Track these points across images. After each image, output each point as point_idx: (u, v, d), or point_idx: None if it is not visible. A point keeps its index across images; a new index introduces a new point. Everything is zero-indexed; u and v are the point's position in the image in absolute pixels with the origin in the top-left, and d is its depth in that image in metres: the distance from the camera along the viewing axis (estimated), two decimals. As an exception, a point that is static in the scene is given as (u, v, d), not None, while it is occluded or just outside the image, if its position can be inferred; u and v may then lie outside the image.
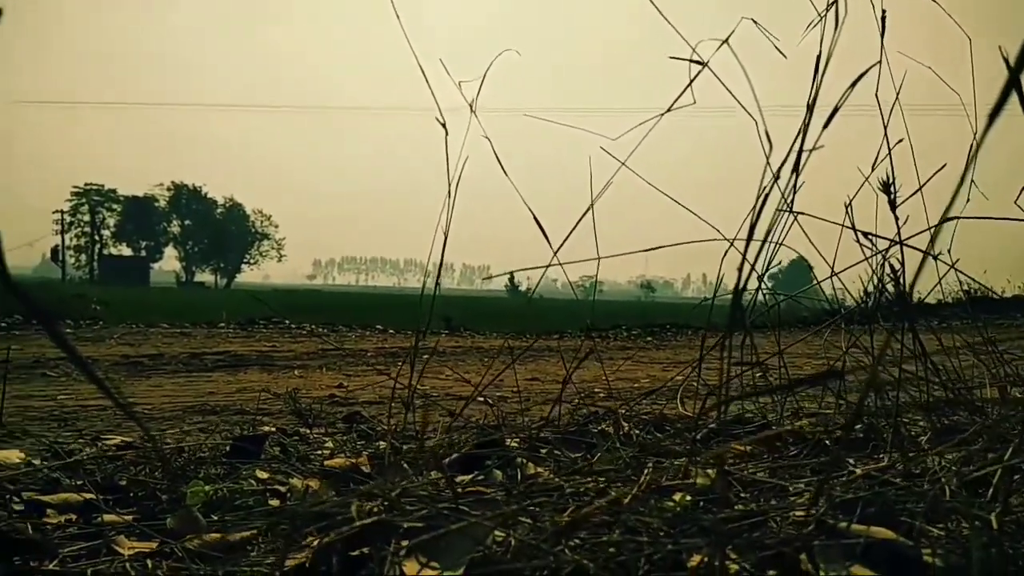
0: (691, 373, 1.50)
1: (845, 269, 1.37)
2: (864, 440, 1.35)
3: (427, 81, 1.23)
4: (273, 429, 1.87)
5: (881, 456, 1.20)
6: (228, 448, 1.54)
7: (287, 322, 6.68)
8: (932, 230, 2.21)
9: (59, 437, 1.78)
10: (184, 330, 6.01)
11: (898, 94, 1.28)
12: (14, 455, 1.44)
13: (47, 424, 2.00)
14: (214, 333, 5.68)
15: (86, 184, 75.73)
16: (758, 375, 1.68)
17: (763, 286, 1.34)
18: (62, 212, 72.56)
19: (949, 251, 1.57)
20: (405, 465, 1.23)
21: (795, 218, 1.15)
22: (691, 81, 1.09)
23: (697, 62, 1.07)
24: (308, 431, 1.94)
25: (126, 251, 76.83)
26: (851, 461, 1.16)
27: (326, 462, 1.42)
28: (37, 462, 1.37)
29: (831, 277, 1.38)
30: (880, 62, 1.13)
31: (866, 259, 1.36)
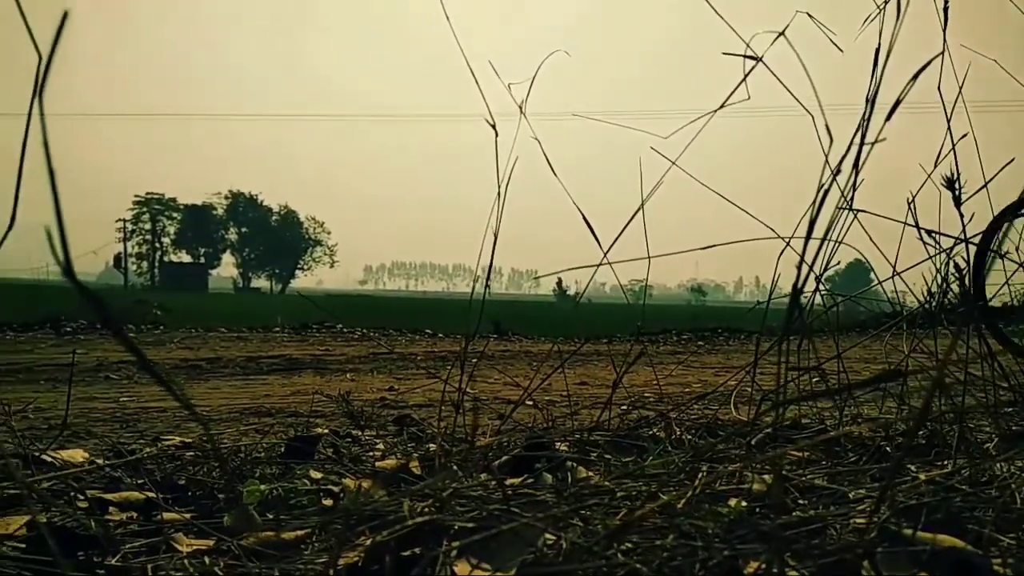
0: (745, 377, 1.47)
1: (908, 269, 1.33)
2: (927, 446, 1.30)
3: (477, 83, 1.24)
4: (326, 431, 1.90)
5: (945, 462, 1.16)
6: (283, 449, 1.56)
7: (339, 326, 6.79)
8: (999, 227, 2.12)
9: (121, 438, 1.84)
10: (241, 334, 6.15)
11: (961, 88, 1.23)
12: (79, 454, 1.49)
13: (110, 425, 2.06)
14: (269, 337, 5.80)
15: (147, 193, 78.28)
16: (815, 379, 1.64)
17: (821, 287, 1.30)
18: (124, 221, 75.12)
19: (1017, 249, 1.51)
20: (455, 467, 1.24)
21: (855, 216, 1.11)
22: (745, 76, 1.07)
23: (751, 57, 1.05)
24: (360, 433, 1.97)
25: (186, 258, 79.16)
26: (913, 467, 1.12)
27: (377, 463, 1.43)
28: (100, 461, 1.41)
29: (893, 277, 1.33)
30: (943, 54, 1.09)
31: (930, 258, 1.32)
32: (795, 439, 1.37)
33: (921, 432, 1.34)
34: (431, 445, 1.73)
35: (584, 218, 1.30)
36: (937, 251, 1.30)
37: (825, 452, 1.25)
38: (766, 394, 1.52)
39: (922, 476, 1.00)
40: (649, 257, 1.29)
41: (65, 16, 0.38)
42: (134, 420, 2.18)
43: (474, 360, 3.82)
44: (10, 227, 0.54)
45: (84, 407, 2.39)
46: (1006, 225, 3.54)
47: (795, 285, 0.84)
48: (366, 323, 7.11)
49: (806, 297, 1.51)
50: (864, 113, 0.93)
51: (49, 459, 1.36)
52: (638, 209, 1.22)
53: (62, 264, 0.44)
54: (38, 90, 0.42)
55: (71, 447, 1.65)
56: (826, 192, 0.88)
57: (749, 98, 1.08)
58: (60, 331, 5.55)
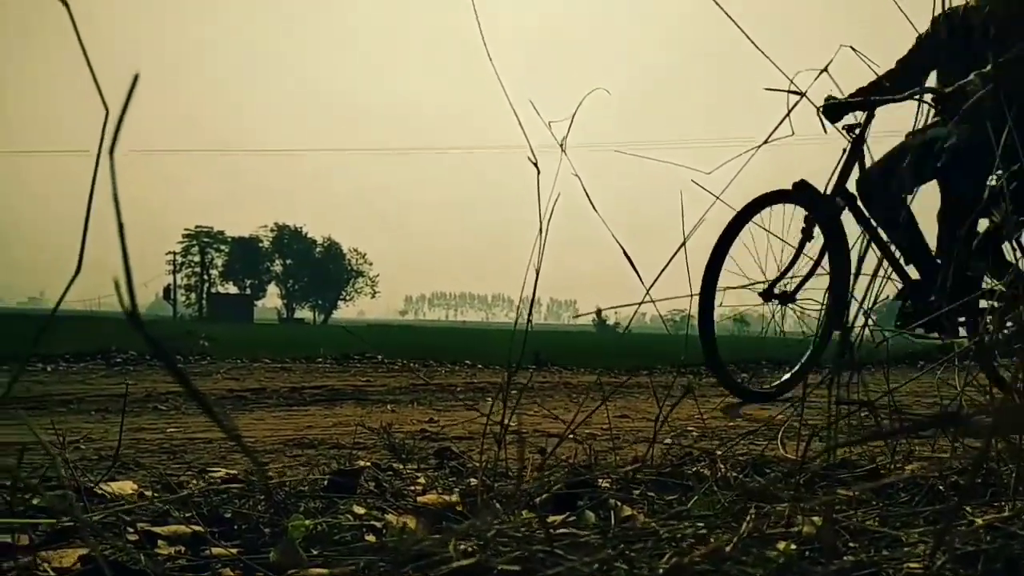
0: (792, 413, 1.44)
1: (958, 303, 1.30)
2: (983, 486, 1.25)
3: (520, 123, 1.26)
4: (368, 464, 1.91)
5: (1004, 504, 1.11)
6: (326, 482, 1.57)
7: (380, 357, 6.83)
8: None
9: (169, 469, 1.87)
10: (285, 365, 6.23)
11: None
12: (128, 486, 1.52)
13: (157, 456, 2.10)
14: (312, 368, 5.87)
15: (196, 227, 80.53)
16: (864, 414, 1.60)
17: (870, 322, 1.28)
18: (174, 253, 77.22)
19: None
20: (497, 504, 1.23)
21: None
22: (789, 112, 1.07)
23: (795, 92, 1.05)
24: (401, 466, 1.97)
25: (232, 289, 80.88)
26: (970, 510, 1.08)
27: (419, 499, 1.43)
28: (148, 493, 1.44)
29: (942, 313, 1.30)
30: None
31: (980, 292, 1.29)
32: (845, 479, 1.33)
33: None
34: (472, 480, 1.73)
35: (625, 253, 1.30)
36: (988, 285, 1.27)
37: (876, 492, 1.21)
38: (815, 431, 1.49)
39: (980, 520, 0.96)
40: (691, 295, 1.28)
41: (136, 79, 0.40)
42: (181, 451, 2.22)
43: (515, 392, 3.81)
44: (76, 273, 0.56)
45: (133, 437, 2.44)
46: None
47: (843, 323, 0.83)
48: (406, 354, 7.16)
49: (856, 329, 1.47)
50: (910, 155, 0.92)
51: (100, 491, 1.39)
52: (680, 246, 1.22)
53: (128, 312, 0.46)
54: (109, 147, 0.44)
55: (121, 478, 1.68)
56: (798, 255, 0.87)
57: (793, 134, 1.08)
58: (111, 362, 5.69)
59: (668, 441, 2.20)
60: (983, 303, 3.53)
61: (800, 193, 3.62)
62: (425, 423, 2.98)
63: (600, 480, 1.41)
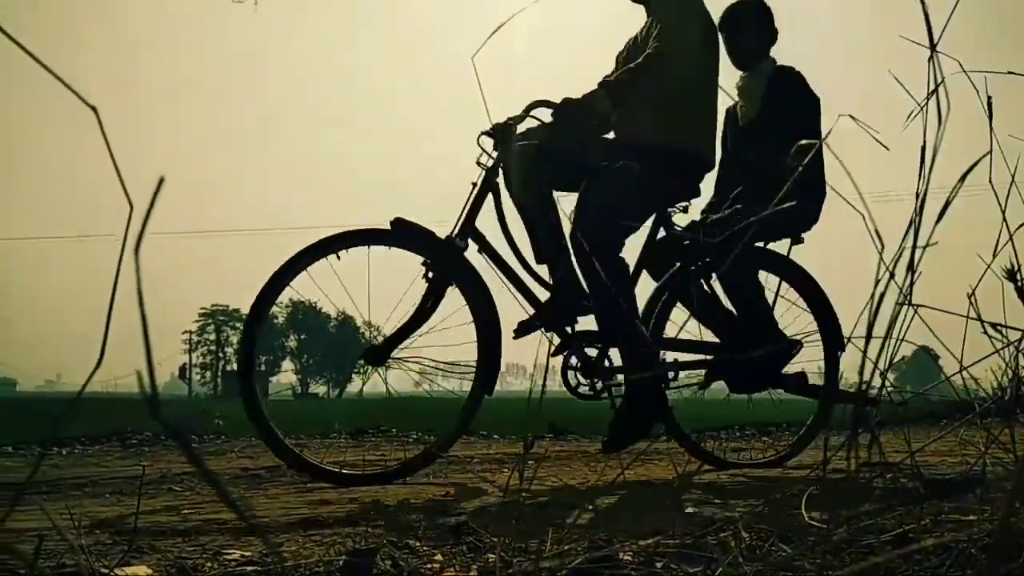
0: (815, 477, 1.42)
1: (974, 363, 1.29)
2: (1018, 548, 1.22)
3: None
4: (384, 542, 1.88)
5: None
6: (341, 562, 1.55)
7: (394, 430, 6.78)
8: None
9: (183, 552, 1.85)
10: (299, 442, 6.19)
11: (1013, 178, 1.22)
12: (142, 571, 1.50)
13: (172, 539, 2.08)
14: (327, 443, 5.82)
15: (212, 305, 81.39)
16: (888, 477, 1.57)
17: (887, 384, 1.27)
18: (190, 332, 77.79)
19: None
20: (517, 581, 1.20)
21: (915, 311, 1.09)
22: (791, 180, 1.09)
23: (795, 165, 1.07)
24: (418, 543, 1.94)
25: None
26: (1003, 572, 1.05)
27: (437, 577, 1.41)
28: (164, 578, 1.42)
29: (960, 372, 1.29)
30: (991, 151, 1.10)
31: (996, 351, 1.28)
32: (873, 545, 1.30)
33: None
34: (490, 556, 1.69)
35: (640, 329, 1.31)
36: (1004, 344, 1.26)
37: (905, 559, 1.18)
38: (839, 497, 1.46)
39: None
40: (707, 360, 1.28)
41: (161, 181, 0.42)
42: (196, 533, 2.19)
43: (531, 464, 3.75)
44: (99, 363, 0.58)
45: (147, 520, 2.42)
46: None
47: (859, 387, 0.83)
48: (420, 425, 7.11)
49: (873, 391, 1.46)
50: (915, 211, 0.93)
51: (115, 577, 1.37)
52: (688, 318, 1.22)
53: (149, 401, 0.47)
54: (135, 246, 0.45)
55: (136, 563, 1.66)
56: (882, 295, 0.88)
57: (796, 202, 1.10)
58: (126, 443, 5.68)
59: (690, 510, 2.16)
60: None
61: (402, 234, 3.17)
62: (441, 497, 2.93)
63: (621, 553, 1.38)
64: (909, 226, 0.94)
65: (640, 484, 3.03)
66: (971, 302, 1.23)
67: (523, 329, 3.32)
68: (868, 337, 0.85)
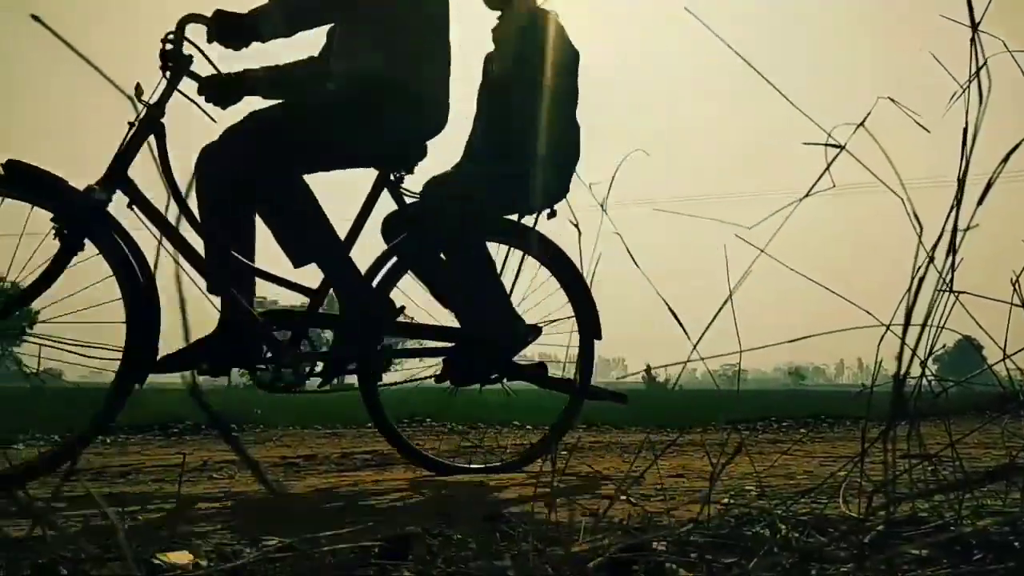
0: (853, 468, 1.40)
1: (1018, 351, 1.25)
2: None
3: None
4: (418, 529, 1.90)
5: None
6: (376, 550, 1.57)
7: (428, 420, 6.83)
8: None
9: (224, 539, 1.89)
10: (335, 430, 6.26)
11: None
12: (184, 556, 1.54)
13: (213, 524, 2.12)
14: (363, 432, 5.89)
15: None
16: (929, 469, 1.54)
17: (927, 372, 1.24)
18: (228, 323, 78.91)
19: None
20: (549, 569, 1.21)
21: (956, 298, 1.07)
22: (828, 166, 1.07)
23: (834, 146, 1.05)
24: (451, 530, 1.95)
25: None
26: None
27: (470, 564, 1.42)
28: (204, 564, 1.45)
29: (1003, 361, 1.26)
30: (1033, 132, 1.06)
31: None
32: (912, 536, 1.28)
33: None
34: (524, 544, 1.70)
35: (671, 310, 1.30)
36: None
37: (945, 550, 1.16)
38: (877, 487, 1.44)
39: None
40: (741, 351, 1.27)
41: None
42: (236, 520, 2.23)
43: (564, 452, 3.74)
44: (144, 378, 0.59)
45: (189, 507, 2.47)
46: None
47: (896, 376, 0.81)
48: (455, 416, 7.15)
49: (912, 381, 1.43)
50: (956, 195, 0.91)
51: (158, 561, 1.41)
52: (726, 300, 1.21)
53: (194, 395, 0.47)
54: (175, 223, 0.46)
55: (176, 549, 1.70)
56: (921, 280, 0.86)
57: (834, 186, 1.08)
58: (168, 432, 5.80)
59: (725, 500, 2.14)
60: None
61: (17, 181, 2.48)
62: (475, 486, 2.95)
63: (655, 543, 1.38)
64: (950, 210, 0.92)
65: (674, 475, 3.01)
66: (1015, 288, 1.20)
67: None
68: (906, 324, 0.83)
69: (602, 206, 1.37)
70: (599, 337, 3.24)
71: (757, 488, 2.43)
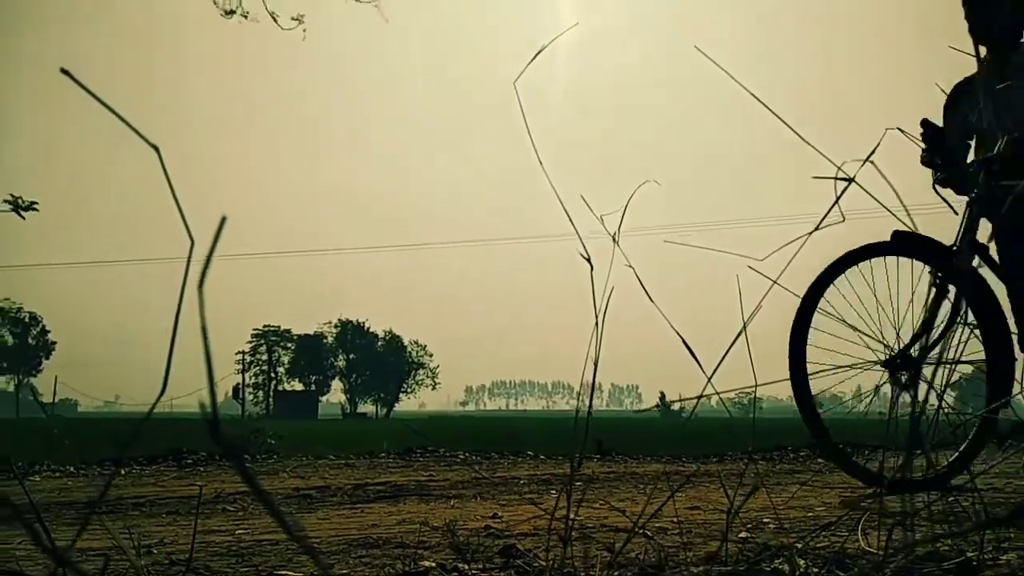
0: (872, 501, 1.38)
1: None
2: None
3: (571, 221, 1.29)
4: (432, 564, 1.88)
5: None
6: (391, 585, 1.56)
7: (442, 451, 6.81)
8: None
9: (237, 573, 1.88)
10: (348, 461, 6.26)
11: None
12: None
13: (226, 559, 2.12)
14: (376, 463, 5.87)
15: (265, 326, 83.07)
16: (950, 500, 1.51)
17: (944, 405, 1.23)
18: (243, 353, 79.42)
19: None
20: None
21: (972, 331, 1.06)
22: (837, 199, 1.07)
23: (843, 179, 1.05)
24: (466, 566, 1.94)
25: (298, 386, 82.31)
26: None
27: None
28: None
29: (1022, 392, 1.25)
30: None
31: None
32: (933, 574, 1.25)
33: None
34: (539, 579, 1.68)
35: (685, 343, 1.30)
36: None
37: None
38: (897, 521, 1.42)
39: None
40: (756, 385, 1.26)
41: (223, 221, 0.44)
42: (249, 553, 2.23)
43: (579, 484, 3.71)
44: (163, 391, 0.60)
45: (202, 540, 2.47)
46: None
47: (912, 412, 0.81)
48: (468, 446, 7.12)
49: (931, 409, 1.42)
50: (961, 224, 0.91)
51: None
52: (740, 332, 1.21)
53: (212, 431, 0.48)
54: (198, 283, 0.47)
55: (191, 583, 1.70)
56: (935, 310, 0.85)
57: (844, 220, 1.08)
58: (182, 463, 5.81)
59: (743, 535, 2.11)
60: None
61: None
62: (489, 519, 2.93)
63: (671, 578, 1.36)
64: (958, 236, 0.92)
65: (691, 507, 2.98)
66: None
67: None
68: (922, 357, 0.82)
69: (614, 238, 1.37)
70: None
71: (775, 521, 2.40)
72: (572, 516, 1.48)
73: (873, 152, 1.05)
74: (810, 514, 2.71)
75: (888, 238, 2.94)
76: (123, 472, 5.10)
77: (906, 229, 2.74)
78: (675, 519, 2.50)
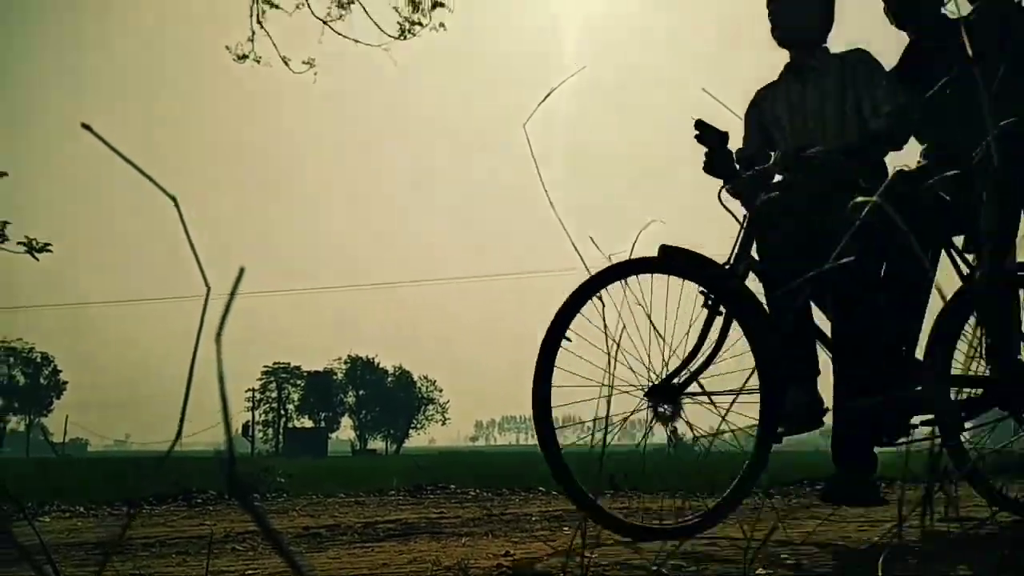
0: (891, 535, 1.36)
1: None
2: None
3: (580, 256, 1.29)
4: (445, 604, 1.85)
5: None
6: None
7: (453, 487, 6.75)
8: None
9: (248, 614, 1.86)
10: (358, 499, 6.20)
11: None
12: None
13: (237, 600, 2.09)
14: (386, 501, 5.82)
15: (275, 363, 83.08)
16: (970, 533, 1.48)
17: (964, 436, 1.22)
18: (253, 391, 79.39)
19: None
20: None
21: (989, 363, 1.05)
22: (848, 235, 1.07)
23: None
24: (480, 606, 1.90)
25: (307, 423, 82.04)
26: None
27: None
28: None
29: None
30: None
31: None
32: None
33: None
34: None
35: (700, 385, 1.29)
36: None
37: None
38: (918, 558, 1.40)
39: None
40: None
41: (242, 272, 0.45)
42: (259, 595, 2.20)
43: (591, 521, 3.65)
44: (177, 437, 0.60)
45: (212, 581, 2.45)
46: None
47: (931, 445, 0.80)
48: (480, 482, 7.06)
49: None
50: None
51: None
52: (753, 370, 1.20)
53: (228, 477, 0.48)
54: (216, 333, 0.48)
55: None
56: (956, 336, 0.85)
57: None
58: (191, 502, 5.79)
59: (761, 572, 2.08)
60: None
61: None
62: (501, 557, 2.89)
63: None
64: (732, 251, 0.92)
65: (706, 543, 2.93)
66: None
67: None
68: (687, 384, 0.82)
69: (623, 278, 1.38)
70: None
71: (792, 558, 2.36)
72: (587, 554, 1.46)
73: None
74: (826, 550, 2.66)
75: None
76: (132, 512, 5.08)
77: (673, 244, 2.54)
78: (690, 555, 2.46)
